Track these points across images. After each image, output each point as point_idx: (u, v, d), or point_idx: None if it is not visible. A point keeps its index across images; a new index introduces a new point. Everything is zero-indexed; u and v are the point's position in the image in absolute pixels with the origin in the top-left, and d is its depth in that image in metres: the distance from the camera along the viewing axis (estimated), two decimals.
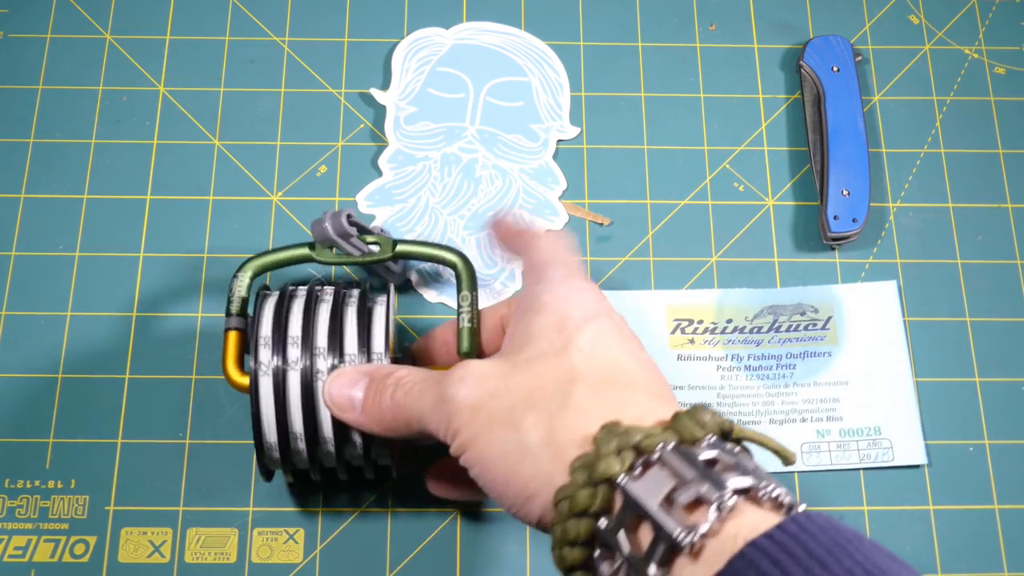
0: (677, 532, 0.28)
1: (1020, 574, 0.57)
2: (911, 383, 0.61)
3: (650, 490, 0.29)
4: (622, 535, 0.29)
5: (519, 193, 0.65)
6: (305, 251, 0.47)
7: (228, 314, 0.44)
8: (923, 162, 0.67)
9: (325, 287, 0.45)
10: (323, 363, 0.40)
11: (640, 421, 0.33)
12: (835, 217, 0.63)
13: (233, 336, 0.43)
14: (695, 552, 0.28)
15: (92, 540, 0.56)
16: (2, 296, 0.61)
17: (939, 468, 0.59)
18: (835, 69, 0.67)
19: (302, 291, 0.43)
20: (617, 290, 0.63)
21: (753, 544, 0.27)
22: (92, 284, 0.62)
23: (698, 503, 0.29)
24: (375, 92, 0.67)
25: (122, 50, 0.68)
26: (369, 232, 0.49)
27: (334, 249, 0.48)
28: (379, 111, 0.67)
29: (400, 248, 0.48)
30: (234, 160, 0.65)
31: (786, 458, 0.33)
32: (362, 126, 0.67)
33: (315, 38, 0.69)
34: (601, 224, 0.59)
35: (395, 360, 0.43)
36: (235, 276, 0.45)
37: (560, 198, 0.65)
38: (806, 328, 0.62)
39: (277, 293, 0.44)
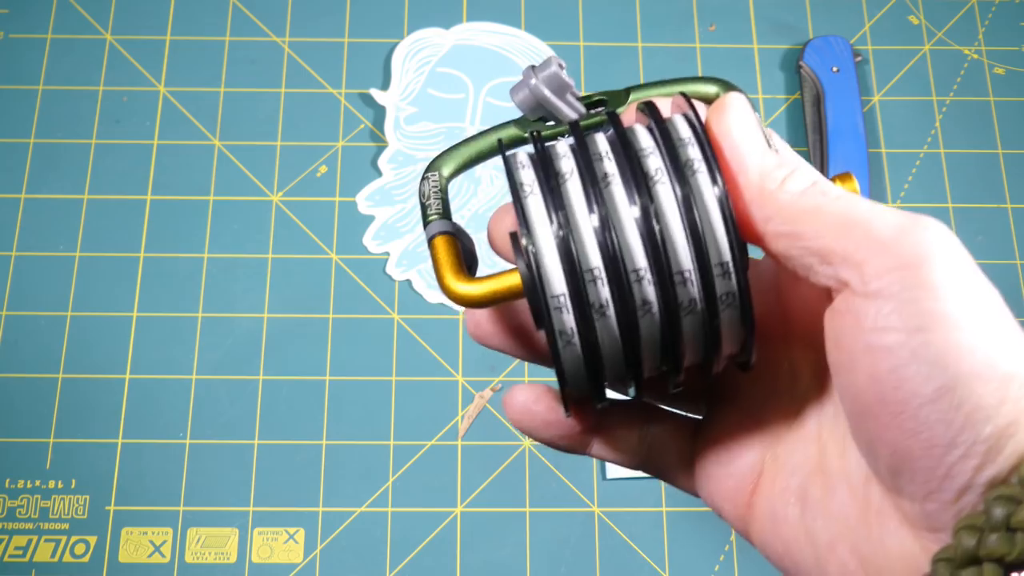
0: None
1: None
2: None
3: None
4: None
5: None
6: (511, 130, 0.33)
7: (428, 221, 0.30)
8: (923, 162, 0.67)
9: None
10: (625, 203, 0.25)
11: None
12: None
13: (443, 242, 0.29)
14: None
15: (92, 540, 0.56)
16: (2, 296, 0.61)
17: None
18: (835, 69, 0.67)
19: (566, 163, 0.27)
20: None
21: None
22: (92, 284, 0.62)
23: None
24: (375, 92, 0.67)
25: (122, 50, 0.68)
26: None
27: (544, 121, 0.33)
28: (379, 111, 0.67)
29: (636, 95, 0.32)
30: (234, 160, 0.65)
31: None
32: (362, 126, 0.67)
33: (315, 38, 0.69)
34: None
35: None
36: (424, 178, 0.31)
37: None
38: None
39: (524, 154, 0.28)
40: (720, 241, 0.24)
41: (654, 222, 0.24)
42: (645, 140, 0.26)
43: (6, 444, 0.58)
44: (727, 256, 0.24)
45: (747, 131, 0.26)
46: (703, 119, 0.26)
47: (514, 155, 0.28)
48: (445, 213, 0.30)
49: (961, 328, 0.22)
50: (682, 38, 0.70)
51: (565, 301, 0.25)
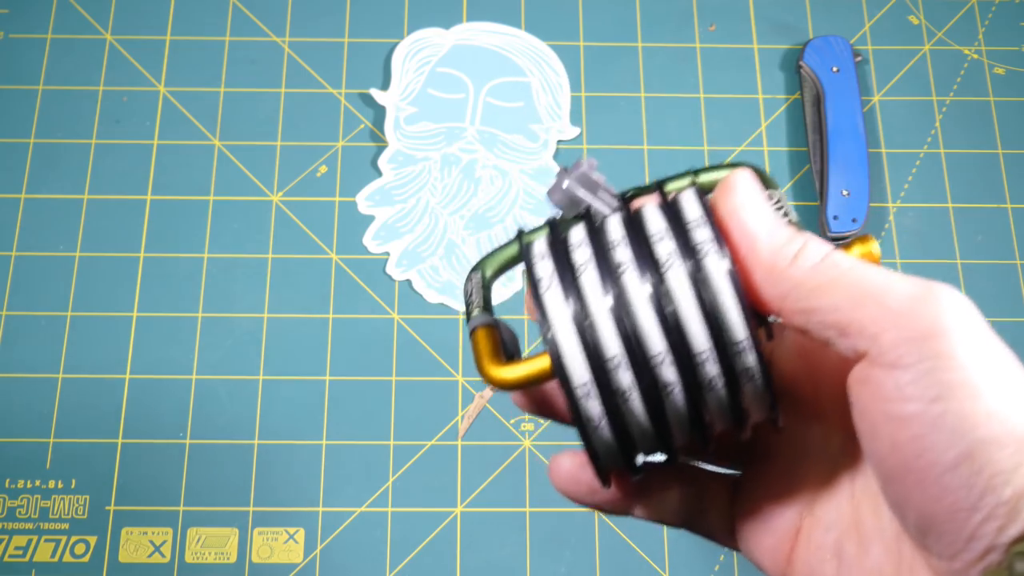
0: None
1: None
2: None
3: None
4: None
5: (519, 194, 0.65)
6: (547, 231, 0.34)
7: (470, 315, 0.33)
8: (923, 162, 0.67)
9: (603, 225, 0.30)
10: (640, 291, 0.26)
11: None
12: (835, 217, 0.63)
13: (483, 333, 0.32)
14: None
15: (92, 540, 0.56)
16: (2, 296, 0.61)
17: None
18: (835, 69, 0.67)
19: (581, 253, 0.29)
20: None
21: None
22: (92, 284, 0.62)
23: None
24: (375, 92, 0.67)
25: (122, 50, 0.68)
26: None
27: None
28: (379, 111, 0.67)
29: (668, 188, 0.34)
30: (234, 160, 0.65)
31: None
32: (362, 126, 0.67)
33: (315, 38, 0.69)
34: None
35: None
36: (469, 277, 0.34)
37: None
38: None
39: (543, 241, 0.31)
40: (734, 322, 0.25)
41: (667, 308, 0.26)
42: (655, 224, 0.27)
43: (6, 444, 0.58)
44: (742, 335, 0.25)
45: (755, 209, 0.26)
46: (710, 199, 0.27)
47: (531, 247, 0.29)
48: (486, 307, 0.32)
49: (978, 396, 0.23)
50: (682, 38, 0.70)
51: (591, 389, 0.26)
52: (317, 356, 0.60)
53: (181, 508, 0.57)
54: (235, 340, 0.61)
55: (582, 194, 0.34)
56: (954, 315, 0.23)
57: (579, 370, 0.26)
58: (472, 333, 0.32)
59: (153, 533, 0.56)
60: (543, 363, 0.28)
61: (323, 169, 0.65)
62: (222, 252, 0.63)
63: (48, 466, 0.58)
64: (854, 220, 0.63)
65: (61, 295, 0.61)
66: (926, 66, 0.70)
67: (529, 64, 0.69)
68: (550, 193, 0.34)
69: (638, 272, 0.26)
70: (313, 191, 0.65)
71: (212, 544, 0.56)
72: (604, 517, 0.58)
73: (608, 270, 0.27)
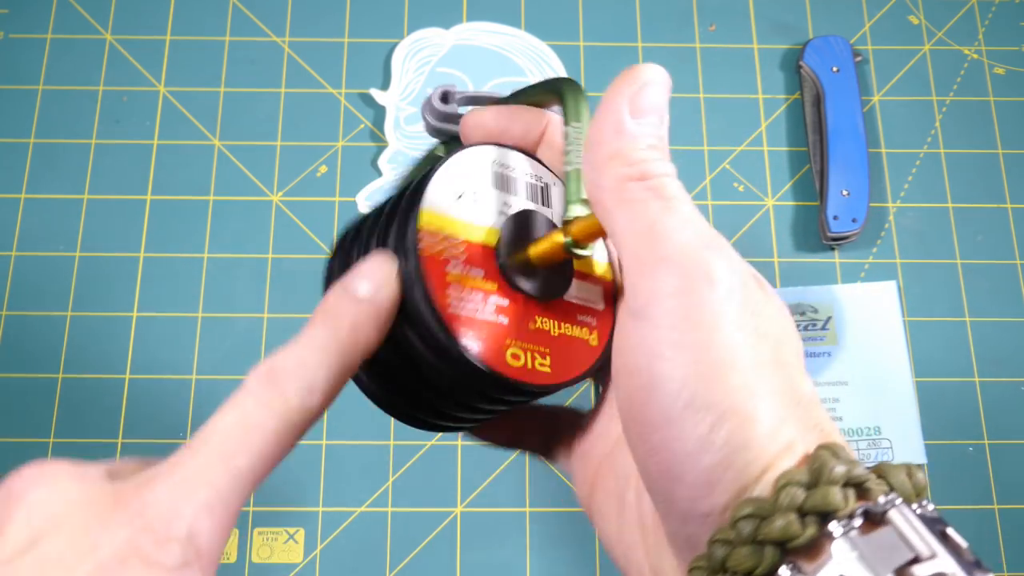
0: None
1: (1020, 574, 0.57)
2: (911, 383, 0.61)
3: (879, 554, 0.21)
4: None
5: None
6: (440, 148, 0.37)
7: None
8: (923, 162, 0.67)
9: None
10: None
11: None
12: (835, 217, 0.63)
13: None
14: None
15: None
16: (2, 296, 0.61)
17: (938, 468, 0.59)
18: (835, 69, 0.67)
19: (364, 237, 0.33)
20: None
21: None
22: (92, 284, 0.62)
23: None
24: (375, 92, 0.67)
25: (122, 50, 0.68)
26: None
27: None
28: (379, 111, 0.67)
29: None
30: (234, 160, 0.65)
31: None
32: (362, 126, 0.67)
33: (315, 38, 0.69)
34: None
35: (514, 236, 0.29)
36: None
37: None
38: (806, 328, 0.62)
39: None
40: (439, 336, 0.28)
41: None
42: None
43: (6, 444, 0.58)
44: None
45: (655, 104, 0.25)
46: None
47: (346, 235, 0.32)
48: None
49: (670, 365, 0.22)
50: (682, 38, 0.70)
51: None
52: None
53: None
54: (235, 340, 0.61)
55: (433, 122, 0.37)
56: (726, 284, 0.23)
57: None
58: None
59: None
60: None
61: (323, 169, 0.65)
62: (222, 252, 0.63)
63: None
64: (854, 220, 0.63)
65: (61, 295, 0.61)
66: (926, 66, 0.70)
67: (529, 64, 0.68)
68: (423, 114, 0.39)
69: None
70: (313, 191, 0.65)
71: None
72: None
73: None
